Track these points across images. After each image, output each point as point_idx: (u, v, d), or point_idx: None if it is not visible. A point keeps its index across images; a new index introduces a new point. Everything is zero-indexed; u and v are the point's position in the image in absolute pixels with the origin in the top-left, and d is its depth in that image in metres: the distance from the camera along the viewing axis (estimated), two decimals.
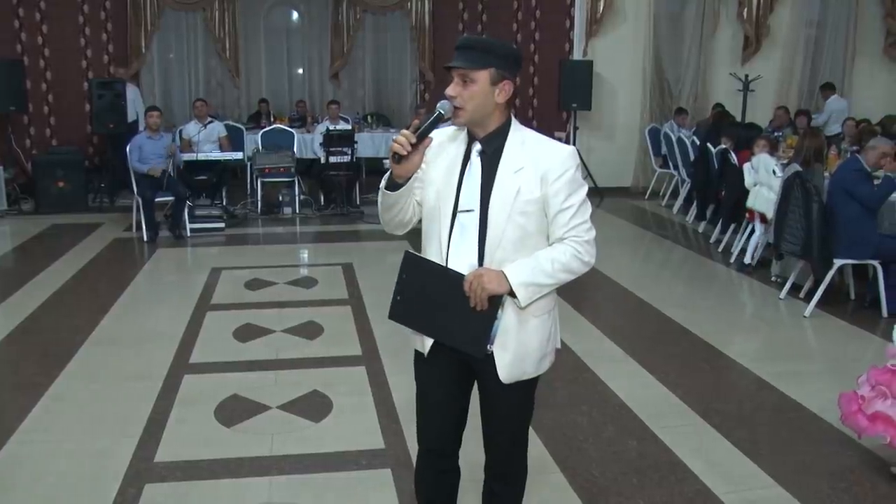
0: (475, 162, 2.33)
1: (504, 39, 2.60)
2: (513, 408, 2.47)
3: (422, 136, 2.25)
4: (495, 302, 2.27)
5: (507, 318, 2.32)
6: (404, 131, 2.25)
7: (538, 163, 2.30)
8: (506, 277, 2.25)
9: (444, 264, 2.33)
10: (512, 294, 2.26)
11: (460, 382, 2.48)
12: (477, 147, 2.33)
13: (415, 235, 2.52)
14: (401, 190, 2.33)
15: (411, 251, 2.38)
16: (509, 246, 2.30)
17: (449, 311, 2.31)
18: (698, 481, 3.53)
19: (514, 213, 2.28)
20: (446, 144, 2.39)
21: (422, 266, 2.37)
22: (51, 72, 11.04)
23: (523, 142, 2.34)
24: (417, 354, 2.50)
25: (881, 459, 3.74)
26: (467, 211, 2.32)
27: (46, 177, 9.78)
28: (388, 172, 2.34)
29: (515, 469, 2.57)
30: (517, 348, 2.36)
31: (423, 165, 2.35)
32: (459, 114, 2.27)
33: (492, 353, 2.33)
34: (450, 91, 2.27)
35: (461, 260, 2.32)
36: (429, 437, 2.55)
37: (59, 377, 4.67)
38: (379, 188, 2.40)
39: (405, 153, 2.24)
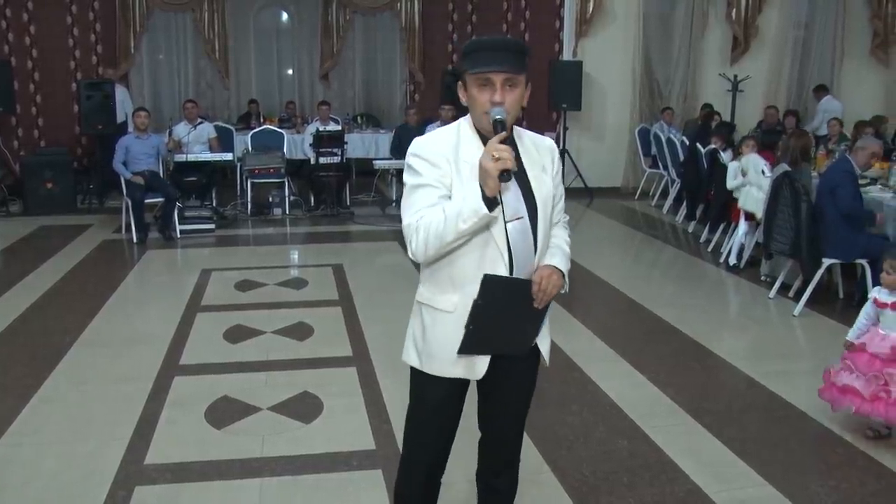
0: None
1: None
2: (529, 395, 2.51)
3: None
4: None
5: None
6: (498, 144, 2.06)
7: (545, 157, 2.37)
8: (560, 270, 2.32)
9: (512, 276, 2.26)
10: None
11: (466, 388, 2.46)
12: (515, 166, 2.15)
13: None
14: (496, 210, 2.14)
15: (491, 274, 2.21)
16: (546, 243, 2.36)
17: (517, 322, 2.32)
18: (689, 480, 3.54)
19: (551, 209, 2.36)
20: (460, 151, 2.26)
21: (501, 285, 2.23)
22: (39, 73, 11.00)
23: (523, 137, 2.37)
24: (436, 377, 2.36)
25: (869, 457, 3.77)
26: (518, 219, 2.25)
27: (35, 178, 9.73)
28: (475, 195, 2.10)
29: (517, 462, 2.58)
30: (548, 332, 2.45)
31: (442, 179, 2.22)
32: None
33: (535, 344, 2.40)
34: (499, 97, 2.18)
35: (524, 267, 2.28)
36: (434, 450, 2.48)
37: (48, 379, 4.65)
38: (453, 217, 2.12)
39: (515, 167, 2.10)
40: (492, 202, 2.10)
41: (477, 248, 2.23)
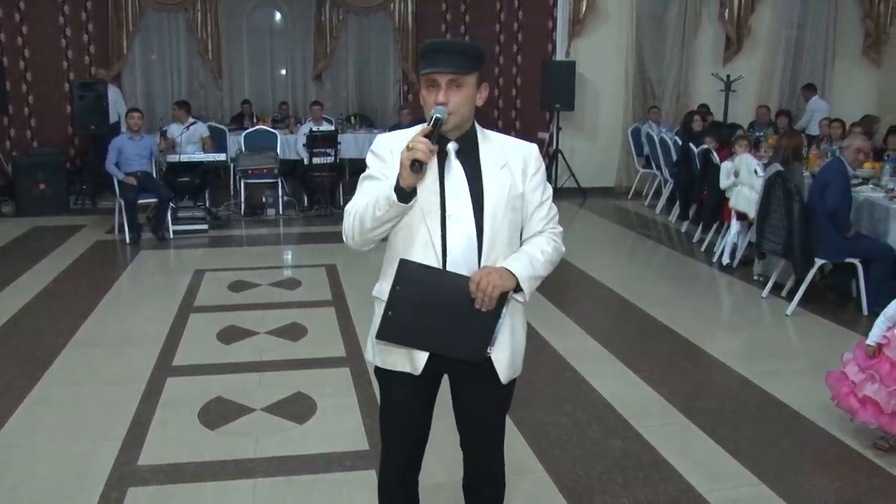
0: (454, 162, 2.27)
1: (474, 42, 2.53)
2: (502, 408, 2.47)
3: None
4: (500, 301, 2.22)
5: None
6: (420, 138, 2.11)
7: (514, 159, 2.33)
8: (511, 273, 2.23)
9: (434, 267, 2.25)
10: (516, 290, 2.25)
11: (434, 391, 2.44)
12: (453, 146, 2.26)
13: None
14: (412, 201, 2.18)
15: (407, 259, 2.23)
16: (504, 243, 2.29)
17: (449, 319, 2.22)
18: (682, 480, 3.55)
19: (507, 209, 2.29)
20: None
21: (421, 273, 2.21)
22: (31, 73, 10.97)
23: (490, 139, 2.36)
24: (394, 374, 2.37)
25: (862, 456, 3.78)
26: (458, 213, 2.25)
27: (27, 179, 9.70)
28: (391, 184, 2.16)
29: (500, 469, 2.56)
30: (513, 346, 2.36)
31: (384, 171, 2.27)
32: (448, 119, 2.21)
33: (489, 355, 2.31)
34: (441, 98, 2.20)
35: (460, 263, 2.24)
36: (404, 448, 2.48)
37: (40, 380, 4.64)
38: (372, 204, 2.19)
39: (428, 160, 2.11)
40: (407, 194, 2.15)
41: (411, 240, 2.27)
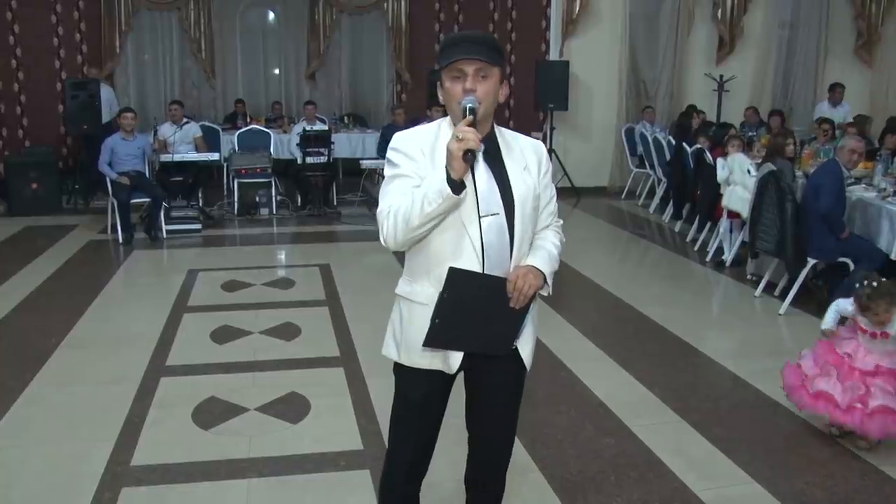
0: (482, 163, 2.26)
1: None
2: (518, 399, 2.50)
3: None
4: (531, 297, 2.30)
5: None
6: (467, 128, 2.08)
7: (530, 157, 2.36)
8: (539, 271, 2.29)
9: (482, 272, 2.25)
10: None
11: (450, 389, 2.45)
12: (481, 147, 2.16)
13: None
14: (463, 192, 2.14)
15: (456, 267, 2.21)
16: (529, 242, 2.35)
17: (486, 319, 2.28)
18: (676, 479, 3.56)
19: (532, 209, 2.33)
20: (437, 146, 2.27)
21: (467, 279, 2.23)
22: (23, 72, 10.91)
23: (507, 138, 2.37)
24: (418, 371, 2.37)
25: (855, 455, 3.80)
26: (492, 215, 2.25)
27: (19, 178, 9.67)
28: (441, 177, 2.11)
29: (507, 464, 2.56)
30: (533, 336, 2.43)
31: (417, 170, 2.24)
32: (478, 109, 2.18)
33: (515, 347, 2.37)
34: (469, 84, 2.19)
35: (497, 265, 2.26)
36: (416, 447, 2.47)
37: (32, 381, 4.62)
38: (419, 200, 2.14)
39: (479, 149, 2.10)
40: (458, 186, 2.12)
41: (451, 242, 2.25)
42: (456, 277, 2.21)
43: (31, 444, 3.86)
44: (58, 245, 8.14)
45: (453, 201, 2.13)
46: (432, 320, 2.25)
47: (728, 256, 7.41)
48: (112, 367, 4.88)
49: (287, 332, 5.50)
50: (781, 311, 6.01)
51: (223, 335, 5.42)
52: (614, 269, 7.86)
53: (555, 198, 2.45)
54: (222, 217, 9.65)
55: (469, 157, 2.08)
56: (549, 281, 2.33)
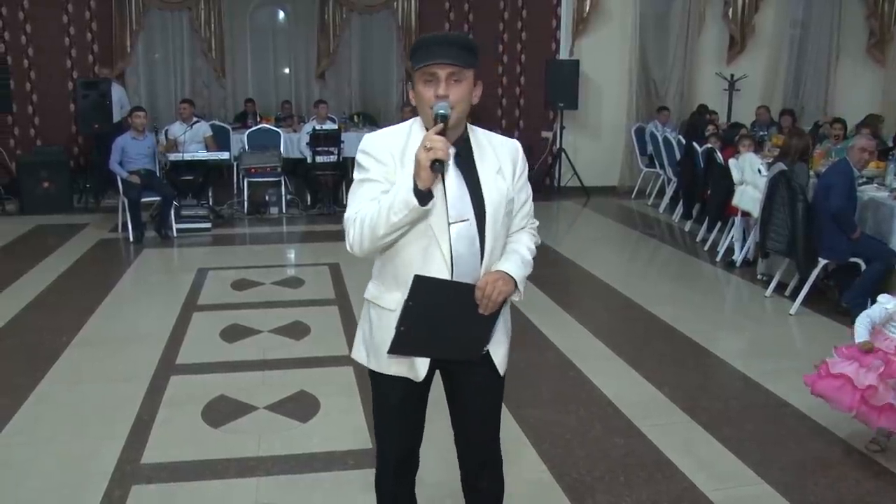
0: (453, 167, 2.20)
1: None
2: (498, 398, 2.47)
3: None
4: (501, 303, 2.25)
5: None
6: (436, 136, 2.05)
7: (504, 159, 2.31)
8: (511, 277, 2.23)
9: (450, 279, 2.20)
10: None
11: (428, 390, 2.42)
12: (451, 150, 2.13)
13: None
14: (430, 203, 2.10)
15: (420, 274, 2.16)
16: (501, 247, 2.30)
17: (454, 325, 2.23)
18: (685, 479, 3.55)
19: (504, 214, 2.27)
20: (407, 149, 2.21)
21: (433, 287, 2.17)
22: (35, 72, 10.98)
23: (480, 139, 2.32)
24: (390, 377, 2.34)
25: (866, 456, 3.77)
26: (463, 221, 2.20)
27: (31, 177, 9.72)
28: (407, 187, 2.08)
29: (497, 460, 2.54)
30: (505, 340, 2.38)
31: (387, 175, 2.20)
32: (450, 114, 2.14)
33: (487, 351, 2.33)
34: (442, 90, 2.14)
35: (467, 272, 2.22)
36: (399, 446, 2.47)
37: (43, 379, 4.64)
38: (386, 209, 2.11)
39: (448, 159, 2.06)
40: (425, 196, 2.08)
41: (419, 249, 2.20)
42: (421, 285, 2.15)
43: (42, 442, 3.87)
44: (69, 244, 8.18)
45: (419, 212, 2.10)
46: (397, 328, 2.20)
47: (739, 256, 7.39)
48: (122, 365, 4.90)
49: (296, 330, 5.51)
50: (792, 311, 5.98)
51: (233, 334, 5.43)
52: (624, 268, 7.84)
53: (530, 198, 2.39)
54: (232, 216, 9.68)
55: (437, 166, 2.04)
56: (521, 286, 2.27)
